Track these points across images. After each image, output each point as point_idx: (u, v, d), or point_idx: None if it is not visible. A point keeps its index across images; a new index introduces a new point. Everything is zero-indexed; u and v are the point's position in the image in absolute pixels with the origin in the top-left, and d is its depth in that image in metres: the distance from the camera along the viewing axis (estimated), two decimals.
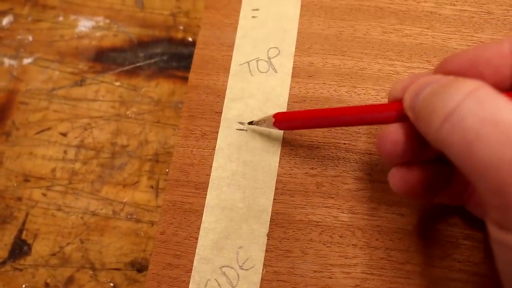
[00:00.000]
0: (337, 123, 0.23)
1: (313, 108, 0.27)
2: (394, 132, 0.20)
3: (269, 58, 0.28)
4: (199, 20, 0.33)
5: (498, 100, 0.16)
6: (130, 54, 0.33)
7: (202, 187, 0.26)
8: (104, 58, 0.33)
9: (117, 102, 0.32)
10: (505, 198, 0.15)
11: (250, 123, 0.27)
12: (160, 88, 0.32)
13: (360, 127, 0.27)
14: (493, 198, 0.16)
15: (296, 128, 0.26)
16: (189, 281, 0.25)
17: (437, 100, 0.17)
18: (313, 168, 0.26)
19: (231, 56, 0.29)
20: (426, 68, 0.27)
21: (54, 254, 0.29)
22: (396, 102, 0.20)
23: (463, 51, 0.19)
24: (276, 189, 0.26)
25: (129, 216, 0.29)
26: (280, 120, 0.25)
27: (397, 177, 0.21)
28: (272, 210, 0.26)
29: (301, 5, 0.29)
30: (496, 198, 0.15)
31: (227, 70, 0.28)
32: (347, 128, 0.27)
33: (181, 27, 0.34)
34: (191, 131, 0.27)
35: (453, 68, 0.19)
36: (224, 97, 0.28)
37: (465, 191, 0.23)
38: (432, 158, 0.21)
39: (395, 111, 0.20)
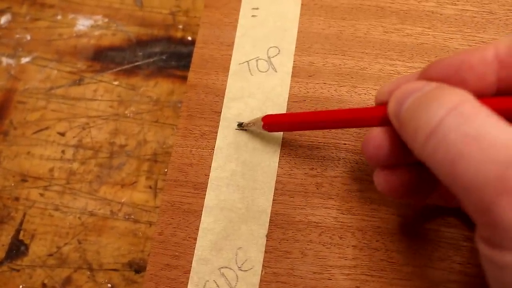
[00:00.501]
0: (323, 126, 0.23)
1: (313, 108, 0.27)
2: (378, 136, 0.20)
3: (269, 57, 0.28)
4: (199, 19, 0.33)
5: (481, 114, 0.16)
6: (129, 53, 0.33)
7: (201, 187, 0.26)
8: (102, 57, 0.33)
9: (115, 101, 0.32)
10: (492, 216, 0.15)
11: (240, 125, 0.27)
12: (159, 87, 0.32)
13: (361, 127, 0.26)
14: (480, 216, 0.15)
15: (284, 130, 0.26)
16: (187, 282, 0.24)
17: (421, 114, 0.17)
18: (313, 168, 0.26)
19: (230, 55, 0.29)
20: None
21: (51, 255, 0.28)
22: (381, 106, 0.20)
23: (448, 57, 0.19)
24: (275, 189, 0.26)
25: (127, 217, 0.29)
26: (268, 123, 0.25)
27: (380, 178, 0.21)
28: (271, 210, 0.25)
29: (301, 4, 0.29)
30: (483, 216, 0.15)
31: (226, 69, 0.28)
32: (347, 128, 0.26)
33: (180, 26, 0.33)
34: (190, 131, 0.27)
35: (437, 74, 0.19)
36: (223, 97, 0.28)
37: None
38: (417, 160, 0.21)
39: (379, 115, 0.20)
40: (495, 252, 0.15)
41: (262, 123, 0.25)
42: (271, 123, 0.25)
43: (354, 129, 0.26)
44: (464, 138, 0.15)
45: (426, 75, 0.19)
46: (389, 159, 0.20)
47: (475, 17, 0.28)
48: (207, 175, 0.26)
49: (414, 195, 0.21)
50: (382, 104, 0.20)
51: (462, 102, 0.16)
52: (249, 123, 0.26)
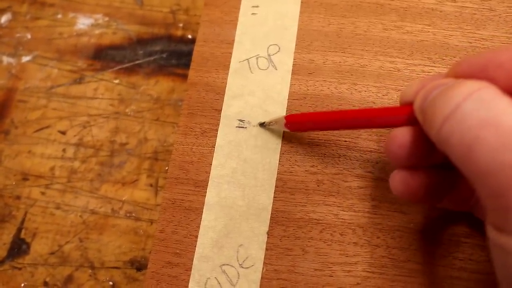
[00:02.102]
0: (348, 125, 0.23)
1: (313, 105, 0.27)
2: (403, 135, 0.20)
3: (269, 55, 0.28)
4: (199, 17, 0.33)
5: (500, 101, 0.16)
6: (129, 52, 0.33)
7: (201, 185, 0.26)
8: (103, 56, 0.33)
9: (116, 100, 0.32)
10: (504, 201, 0.15)
11: (262, 124, 0.27)
12: (160, 85, 0.32)
13: None
14: (492, 200, 0.15)
15: (307, 130, 0.26)
16: (188, 280, 0.25)
17: (440, 101, 0.17)
18: (314, 165, 0.26)
19: (230, 53, 0.29)
20: (427, 65, 0.27)
21: (53, 253, 0.28)
22: (407, 106, 0.20)
23: (475, 54, 0.19)
24: (276, 187, 0.26)
25: (128, 215, 0.29)
26: (291, 122, 0.25)
27: (398, 180, 0.21)
28: (272, 208, 0.25)
29: (301, 2, 0.29)
30: (495, 201, 0.15)
31: (226, 67, 0.28)
32: (370, 129, 0.26)
33: (181, 24, 0.33)
34: (190, 129, 0.27)
35: (464, 72, 0.19)
36: (224, 95, 0.28)
37: (472, 197, 0.23)
38: (438, 163, 0.21)
39: (405, 114, 0.20)
40: (504, 237, 0.15)
41: (284, 121, 0.25)
42: (294, 121, 0.25)
43: None
44: (481, 123, 0.15)
45: (453, 73, 0.19)
46: (412, 159, 0.20)
47: (474, 14, 0.28)
48: (208, 173, 0.26)
49: (428, 198, 0.21)
50: (407, 104, 0.20)
51: (481, 88, 0.16)
52: (271, 122, 0.26)
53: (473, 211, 0.23)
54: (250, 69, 0.28)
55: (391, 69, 0.27)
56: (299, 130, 0.26)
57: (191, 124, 0.27)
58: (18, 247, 0.29)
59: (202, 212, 0.26)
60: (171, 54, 0.33)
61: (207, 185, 0.26)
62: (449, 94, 0.17)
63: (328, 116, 0.23)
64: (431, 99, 0.18)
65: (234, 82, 0.28)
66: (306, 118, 0.24)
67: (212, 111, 0.27)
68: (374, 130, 0.26)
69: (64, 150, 0.31)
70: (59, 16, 0.34)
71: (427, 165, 0.21)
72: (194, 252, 0.25)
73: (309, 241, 0.25)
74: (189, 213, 0.26)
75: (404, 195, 0.21)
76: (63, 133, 0.31)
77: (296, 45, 0.28)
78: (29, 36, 0.34)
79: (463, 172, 0.16)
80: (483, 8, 0.28)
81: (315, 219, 0.25)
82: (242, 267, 0.25)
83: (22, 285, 0.28)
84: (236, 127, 0.27)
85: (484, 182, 0.15)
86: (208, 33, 0.29)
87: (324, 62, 0.28)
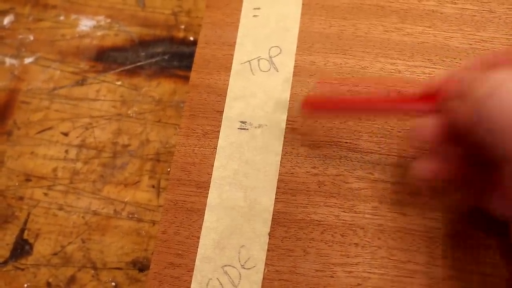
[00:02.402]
0: (367, 108, 0.23)
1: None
2: (430, 123, 0.20)
3: (270, 57, 0.28)
4: (201, 19, 0.33)
5: None
6: (131, 54, 0.33)
7: (203, 186, 0.26)
8: (105, 58, 0.33)
9: (118, 101, 0.32)
10: None
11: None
12: (161, 87, 0.32)
13: (361, 125, 0.26)
14: None
15: (323, 112, 0.26)
16: (190, 280, 0.25)
17: (481, 81, 0.18)
18: (315, 167, 0.26)
19: (232, 55, 0.29)
20: (428, 67, 0.27)
21: (55, 254, 0.29)
22: (429, 95, 0.21)
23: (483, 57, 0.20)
24: (277, 188, 0.26)
25: (130, 216, 0.29)
26: (309, 102, 0.25)
27: (423, 165, 0.21)
28: (273, 209, 0.26)
29: (302, 4, 0.29)
30: None
31: (228, 69, 0.28)
32: (349, 127, 0.27)
33: (182, 26, 0.34)
34: (192, 130, 0.27)
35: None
36: (225, 96, 0.28)
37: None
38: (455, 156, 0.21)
39: (432, 101, 0.21)
40: None
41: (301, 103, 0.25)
42: (312, 102, 0.25)
43: (354, 127, 0.27)
44: None
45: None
46: (431, 147, 0.21)
47: (475, 15, 0.28)
48: (210, 174, 0.26)
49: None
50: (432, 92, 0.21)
51: None
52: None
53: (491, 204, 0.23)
54: (251, 71, 0.28)
55: (392, 70, 0.28)
56: (316, 112, 0.26)
57: (193, 126, 0.27)
58: (21, 248, 0.29)
59: (204, 213, 0.26)
60: (173, 56, 0.33)
61: (209, 186, 0.26)
62: (491, 76, 0.17)
63: (348, 101, 0.24)
64: (471, 79, 0.18)
65: (236, 84, 0.28)
66: (324, 100, 0.25)
67: (213, 112, 0.28)
68: (374, 131, 0.26)
69: (66, 151, 0.31)
70: (62, 18, 0.34)
71: (443, 155, 0.21)
72: (196, 253, 0.25)
73: (310, 242, 0.25)
74: (191, 214, 0.26)
75: (431, 176, 0.21)
76: (66, 134, 0.31)
77: (297, 47, 0.28)
78: (31, 37, 0.34)
79: (496, 152, 0.17)
80: (483, 10, 0.28)
81: (316, 220, 0.25)
82: (244, 268, 0.25)
83: (25, 285, 0.28)
84: (238, 128, 0.27)
85: None
86: (210, 35, 0.29)
87: (325, 64, 0.28)
